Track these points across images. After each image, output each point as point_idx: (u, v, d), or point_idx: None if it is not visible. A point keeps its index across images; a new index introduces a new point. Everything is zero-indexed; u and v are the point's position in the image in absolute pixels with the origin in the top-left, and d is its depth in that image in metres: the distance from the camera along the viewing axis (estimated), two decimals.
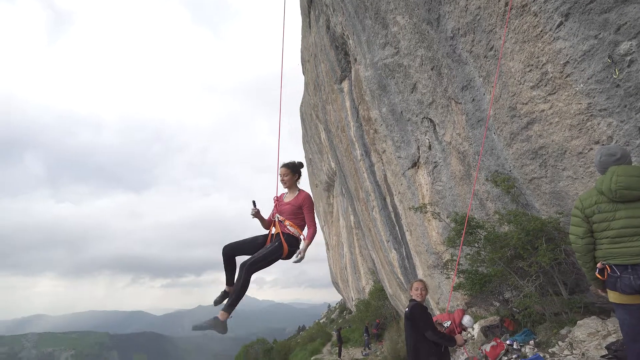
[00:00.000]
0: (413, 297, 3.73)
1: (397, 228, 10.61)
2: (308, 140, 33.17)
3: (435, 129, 7.44)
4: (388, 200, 10.61)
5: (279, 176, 3.41)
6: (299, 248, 3.27)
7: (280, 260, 3.22)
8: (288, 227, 3.30)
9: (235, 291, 3.03)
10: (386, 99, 8.68)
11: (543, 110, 4.56)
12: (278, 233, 3.26)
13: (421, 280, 3.88)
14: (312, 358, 19.40)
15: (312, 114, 25.99)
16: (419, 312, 3.59)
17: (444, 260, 6.83)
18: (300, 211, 3.35)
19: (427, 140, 7.80)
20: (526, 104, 4.72)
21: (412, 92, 7.60)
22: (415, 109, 7.70)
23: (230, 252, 3.26)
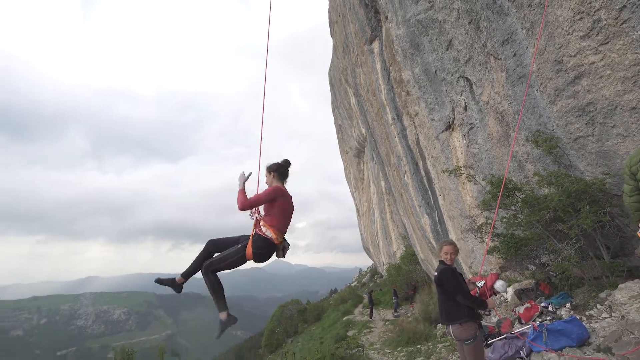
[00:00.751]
0: (442, 260, 3.73)
1: (429, 193, 10.48)
2: (337, 105, 32.68)
3: (471, 88, 7.10)
4: (420, 164, 10.43)
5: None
6: (269, 250, 3.04)
7: (245, 263, 3.05)
8: (261, 226, 3.04)
9: (210, 292, 3.14)
10: (419, 59, 8.32)
11: (593, 63, 4.23)
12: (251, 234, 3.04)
13: (451, 243, 3.78)
14: (344, 318, 20.20)
15: (341, 78, 25.40)
16: (448, 276, 3.57)
17: (478, 224, 6.73)
18: (270, 207, 3.08)
19: (463, 101, 7.48)
20: (574, 56, 4.39)
21: (447, 50, 7.22)
22: (450, 67, 7.35)
23: (211, 247, 3.14)
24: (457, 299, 3.49)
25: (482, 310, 3.72)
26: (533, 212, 5.14)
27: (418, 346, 8.19)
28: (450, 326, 3.59)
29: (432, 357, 6.89)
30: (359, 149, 31.54)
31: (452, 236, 9.62)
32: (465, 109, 7.50)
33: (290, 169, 3.40)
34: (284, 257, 3.17)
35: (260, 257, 3.00)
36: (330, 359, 6.02)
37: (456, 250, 3.70)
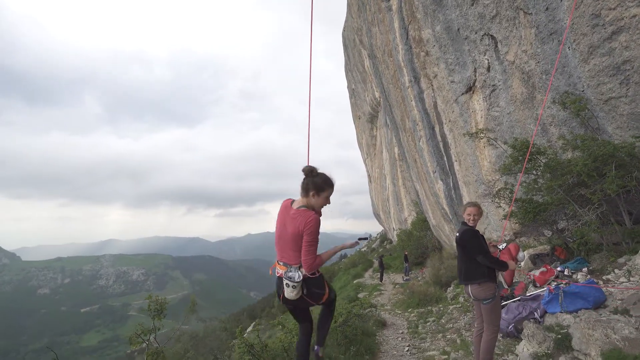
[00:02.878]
0: (465, 222, 3.71)
1: (445, 158, 10.33)
2: (351, 68, 31.80)
3: (496, 46, 6.76)
4: (437, 129, 10.21)
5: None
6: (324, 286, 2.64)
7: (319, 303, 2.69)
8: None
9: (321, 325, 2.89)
10: (441, 15, 7.90)
11: (635, 16, 3.94)
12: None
13: (475, 205, 3.74)
14: (354, 281, 20.75)
15: (356, 39, 24.53)
16: (469, 237, 3.58)
17: (495, 189, 6.63)
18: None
19: (486, 61, 7.16)
20: (614, 9, 4.09)
21: (472, 5, 6.82)
22: (474, 24, 6.97)
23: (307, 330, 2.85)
24: (478, 259, 3.51)
25: (503, 271, 3.74)
26: (555, 177, 5.01)
27: (429, 307, 8.39)
28: (469, 286, 3.63)
29: (443, 317, 7.07)
30: (372, 114, 30.98)
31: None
32: (488, 69, 7.19)
33: None
34: None
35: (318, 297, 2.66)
36: (347, 316, 6.22)
37: (480, 212, 3.67)
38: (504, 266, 3.61)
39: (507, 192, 5.55)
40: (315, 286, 2.55)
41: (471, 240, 3.58)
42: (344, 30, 29.78)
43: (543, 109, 5.92)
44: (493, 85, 7.15)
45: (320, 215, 2.53)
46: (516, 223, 5.98)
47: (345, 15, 28.02)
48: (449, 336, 5.90)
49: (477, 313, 3.88)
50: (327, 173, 2.52)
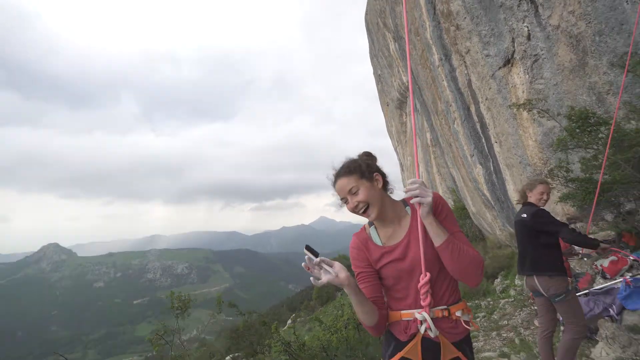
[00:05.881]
0: (531, 202, 3.14)
1: (482, 140, 9.55)
2: (375, 53, 30.82)
3: (537, 11, 5.99)
4: (472, 109, 9.43)
5: (344, 200, 1.66)
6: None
7: None
8: (453, 314, 1.57)
9: None
10: None
11: None
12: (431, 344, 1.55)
13: (545, 182, 3.15)
14: None
15: (379, 22, 23.63)
16: (544, 216, 2.98)
17: (548, 168, 5.89)
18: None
19: (526, 29, 6.38)
20: None
21: None
22: None
23: None
24: (562, 234, 2.91)
25: (592, 249, 3.12)
26: (621, 150, 4.29)
27: (476, 301, 7.78)
28: (536, 277, 3.06)
29: (494, 313, 6.45)
30: (400, 100, 29.94)
31: (510, 186, 8.79)
32: (529, 38, 6.41)
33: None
34: None
35: None
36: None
37: (550, 191, 3.10)
38: (594, 243, 2.97)
39: (563, 171, 4.87)
40: None
41: (547, 220, 2.99)
42: (366, 14, 28.84)
43: (594, 76, 5.15)
44: (535, 55, 6.37)
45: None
46: (573, 206, 5.27)
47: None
48: (504, 334, 5.32)
49: (540, 310, 3.32)
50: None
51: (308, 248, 1.48)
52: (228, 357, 12.08)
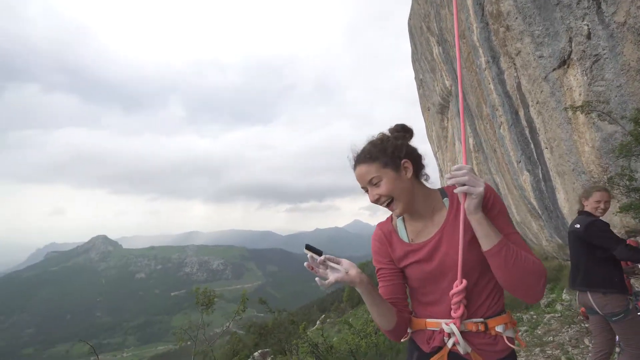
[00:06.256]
0: (587, 211, 2.90)
1: (531, 146, 9.06)
2: (418, 58, 30.26)
3: (599, 8, 5.59)
4: (521, 113, 8.98)
5: (365, 189, 1.42)
6: None
7: None
8: (492, 328, 1.30)
9: None
10: None
11: None
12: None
13: (605, 189, 2.88)
14: None
15: (423, 27, 23.22)
16: (600, 228, 2.72)
17: (607, 175, 5.47)
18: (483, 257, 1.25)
19: (586, 27, 5.97)
20: None
21: None
22: None
23: None
24: (617, 252, 2.65)
25: None
26: None
27: (518, 314, 7.36)
28: (590, 293, 2.83)
29: (538, 327, 6.07)
30: (442, 105, 29.16)
31: (561, 195, 8.27)
32: (589, 37, 5.99)
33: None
34: None
35: None
36: None
37: (609, 199, 2.85)
38: None
39: (625, 179, 4.49)
40: None
41: (603, 233, 2.72)
42: (409, 19, 28.44)
43: None
44: (595, 55, 5.95)
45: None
46: (635, 218, 4.84)
47: (410, 3, 26.73)
48: (549, 351, 4.98)
49: (594, 329, 3.07)
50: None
51: (309, 247, 1.31)
52: (257, 353, 12.25)
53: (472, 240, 1.27)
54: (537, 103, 8.09)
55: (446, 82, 24.29)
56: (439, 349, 1.32)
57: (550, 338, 5.39)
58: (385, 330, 1.36)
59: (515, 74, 8.65)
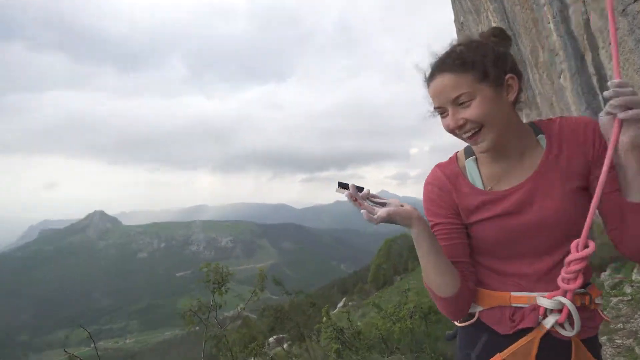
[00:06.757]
0: None
1: (599, 97, 8.60)
2: None
3: None
4: (588, 58, 8.45)
5: (440, 110, 1.16)
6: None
7: None
8: (594, 300, 1.16)
9: None
10: None
11: None
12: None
13: None
14: None
15: None
16: None
17: None
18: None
19: None
20: None
21: None
22: None
23: None
24: None
25: None
26: None
27: None
28: None
29: (605, 311, 5.96)
30: None
31: None
32: None
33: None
34: None
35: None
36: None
37: None
38: None
39: None
40: None
41: None
42: None
43: None
44: None
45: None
46: None
47: None
48: (619, 341, 4.87)
49: None
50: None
51: (342, 185, 1.13)
52: (272, 339, 12.63)
53: (577, 189, 1.11)
54: (609, 44, 7.58)
55: (492, 23, 23.13)
56: (523, 331, 1.14)
57: (620, 325, 5.27)
58: (444, 297, 1.15)
59: (582, 9, 8.07)
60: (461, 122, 1.09)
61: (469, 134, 1.11)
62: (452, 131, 1.13)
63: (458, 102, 1.08)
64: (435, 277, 1.14)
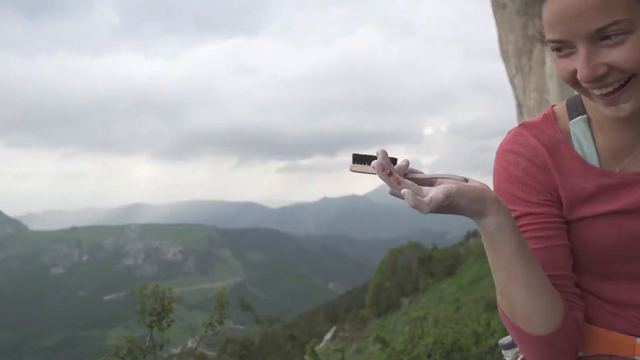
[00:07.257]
0: None
1: None
2: None
3: None
4: None
5: (562, 45, 0.88)
6: None
7: None
8: None
9: None
10: None
11: None
12: None
13: None
14: None
15: None
16: None
17: None
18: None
19: None
20: None
21: None
22: None
23: None
24: None
25: None
26: None
27: None
28: None
29: None
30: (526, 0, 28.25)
31: None
32: None
33: None
34: None
35: None
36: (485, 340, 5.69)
37: None
38: None
39: None
40: None
41: None
42: None
43: None
44: None
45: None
46: None
47: None
48: None
49: None
50: None
51: (360, 158, 0.95)
52: None
53: None
54: None
55: None
56: None
57: None
58: (539, 334, 0.90)
59: None
60: (603, 70, 0.84)
61: (609, 88, 0.87)
62: (586, 79, 0.86)
63: (604, 33, 0.82)
64: (525, 301, 0.89)
